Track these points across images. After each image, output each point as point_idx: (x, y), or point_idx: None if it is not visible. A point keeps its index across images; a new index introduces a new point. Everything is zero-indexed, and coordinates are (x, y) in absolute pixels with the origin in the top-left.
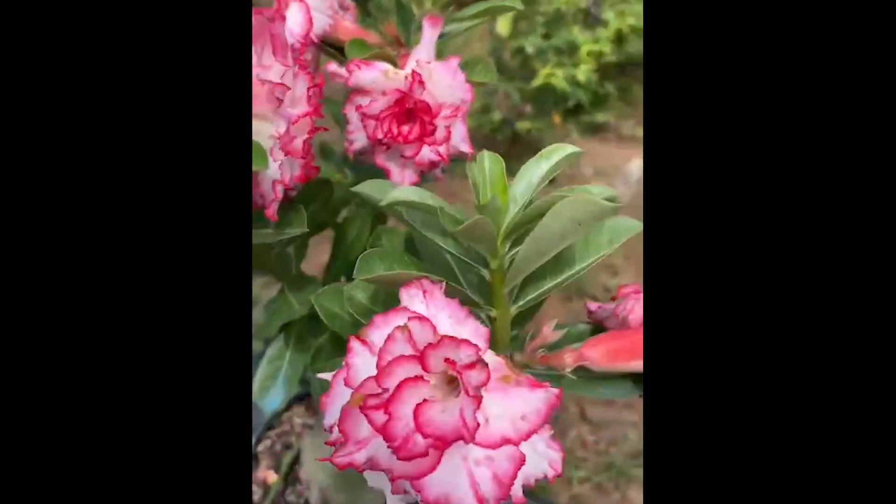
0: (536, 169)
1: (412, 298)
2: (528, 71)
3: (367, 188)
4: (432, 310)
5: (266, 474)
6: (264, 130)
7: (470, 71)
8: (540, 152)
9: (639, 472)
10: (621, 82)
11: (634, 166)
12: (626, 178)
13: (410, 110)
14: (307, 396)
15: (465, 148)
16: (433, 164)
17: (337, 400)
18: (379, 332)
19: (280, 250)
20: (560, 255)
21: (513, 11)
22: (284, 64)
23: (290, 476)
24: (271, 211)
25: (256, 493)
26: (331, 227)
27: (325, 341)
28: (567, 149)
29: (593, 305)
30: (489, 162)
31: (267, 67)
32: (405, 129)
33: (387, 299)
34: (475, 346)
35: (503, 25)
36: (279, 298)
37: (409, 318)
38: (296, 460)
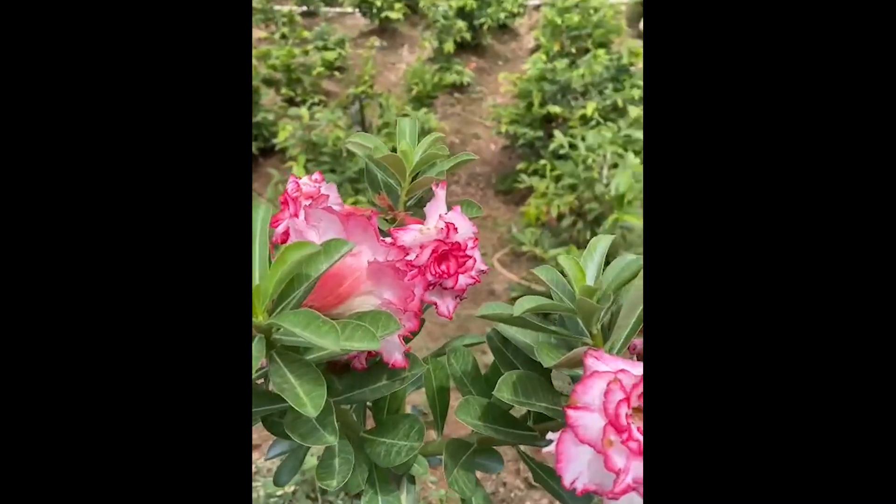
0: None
1: (595, 362)
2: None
3: (491, 309)
4: (610, 364)
5: None
6: (370, 302)
7: (465, 211)
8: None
9: None
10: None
11: None
12: None
13: (445, 252)
14: None
15: (483, 266)
16: (465, 288)
17: (572, 460)
18: (587, 395)
19: (351, 412)
20: None
21: None
22: (385, 245)
23: None
24: (400, 360)
25: None
26: None
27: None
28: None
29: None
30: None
31: (357, 254)
32: (444, 267)
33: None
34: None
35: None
36: (358, 455)
37: (616, 373)
38: None
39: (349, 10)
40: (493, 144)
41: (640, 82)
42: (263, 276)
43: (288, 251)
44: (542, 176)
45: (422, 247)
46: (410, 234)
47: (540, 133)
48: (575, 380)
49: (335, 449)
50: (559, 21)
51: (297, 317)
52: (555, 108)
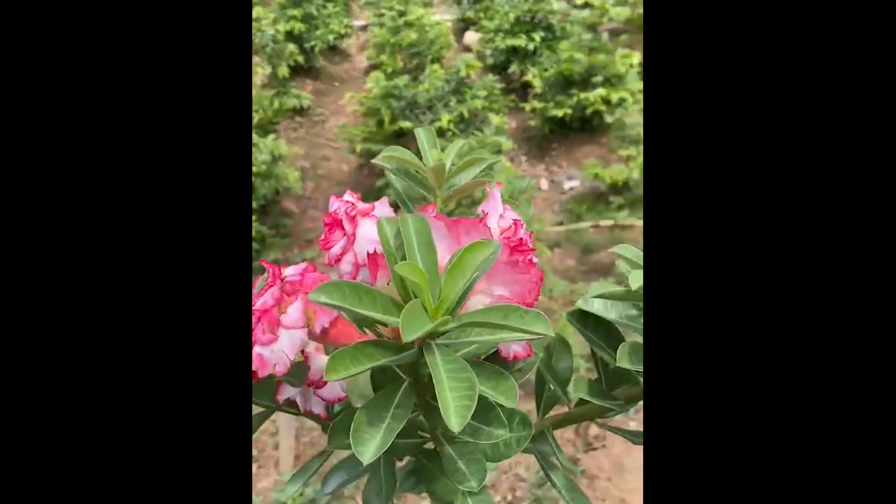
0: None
1: None
2: None
3: (603, 288)
4: None
5: None
6: (482, 301)
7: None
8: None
9: None
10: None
11: None
12: None
13: (512, 248)
14: None
15: (536, 259)
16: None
17: None
18: None
19: None
20: None
21: None
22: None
23: None
24: (522, 351)
25: None
26: None
27: None
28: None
29: None
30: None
31: None
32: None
33: None
34: None
35: None
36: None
37: None
38: None
39: None
40: (345, 165)
41: (481, 93)
42: (434, 282)
43: (465, 255)
44: None
45: None
46: None
47: None
48: None
49: (452, 454)
50: (392, 40)
51: (493, 311)
52: (406, 124)
